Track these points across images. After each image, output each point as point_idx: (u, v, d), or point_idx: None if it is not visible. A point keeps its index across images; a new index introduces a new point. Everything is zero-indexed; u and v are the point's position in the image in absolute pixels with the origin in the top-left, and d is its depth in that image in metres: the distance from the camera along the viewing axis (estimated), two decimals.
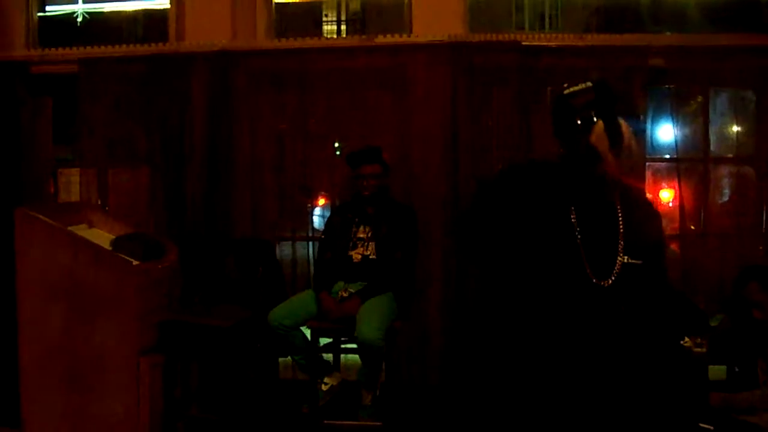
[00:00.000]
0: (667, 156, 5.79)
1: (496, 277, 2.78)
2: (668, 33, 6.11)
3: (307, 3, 7.04)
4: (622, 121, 2.53)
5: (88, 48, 5.93)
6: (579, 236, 2.52)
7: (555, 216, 2.55)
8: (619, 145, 2.51)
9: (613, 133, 2.49)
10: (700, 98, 5.72)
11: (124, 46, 5.88)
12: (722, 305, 5.05)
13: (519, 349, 2.64)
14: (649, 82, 5.46)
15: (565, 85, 2.59)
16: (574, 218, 2.53)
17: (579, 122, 2.49)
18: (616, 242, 2.53)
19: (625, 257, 2.52)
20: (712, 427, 4.08)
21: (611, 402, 2.53)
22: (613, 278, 2.50)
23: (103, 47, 5.89)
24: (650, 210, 2.73)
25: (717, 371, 4.77)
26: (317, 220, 6.12)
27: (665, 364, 2.69)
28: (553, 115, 2.63)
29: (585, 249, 2.51)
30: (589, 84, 2.55)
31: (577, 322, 2.52)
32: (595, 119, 2.48)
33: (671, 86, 5.58)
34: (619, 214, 2.57)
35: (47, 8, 6.53)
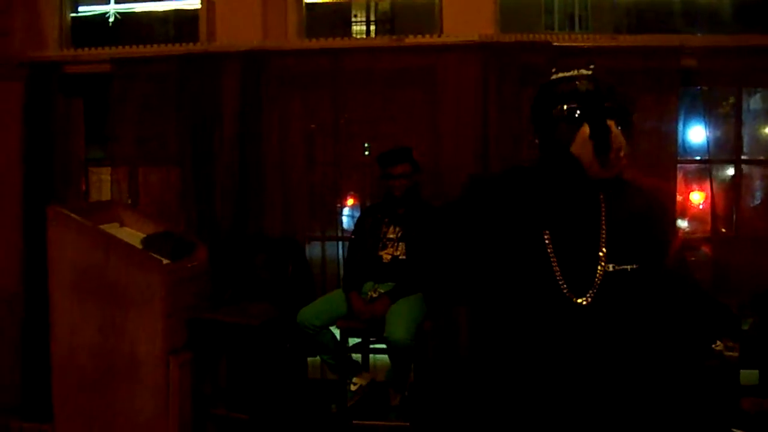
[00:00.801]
0: (698, 158, 5.74)
1: (476, 304, 2.56)
2: (700, 34, 6.04)
3: (336, 3, 7.02)
4: (611, 124, 2.18)
5: (120, 48, 5.96)
6: (551, 249, 2.22)
7: (523, 229, 2.22)
8: (606, 152, 2.15)
9: (601, 138, 2.15)
10: (732, 99, 5.67)
11: (156, 46, 5.90)
12: (754, 308, 4.99)
13: (504, 378, 2.30)
14: (681, 82, 5.42)
15: (554, 70, 2.34)
16: (546, 233, 2.23)
17: (559, 117, 2.22)
18: (597, 250, 2.22)
19: (610, 265, 2.20)
20: None
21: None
22: (593, 292, 2.18)
23: (134, 47, 5.91)
24: (652, 205, 2.35)
25: (749, 376, 4.71)
26: (346, 220, 6.13)
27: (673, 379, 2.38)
28: (533, 105, 2.34)
29: (559, 263, 2.20)
30: (583, 72, 2.28)
31: (553, 348, 2.21)
32: (579, 119, 2.19)
33: (703, 87, 5.52)
34: (602, 218, 2.25)
35: (80, 8, 6.56)
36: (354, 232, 5.38)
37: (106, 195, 5.97)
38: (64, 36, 6.26)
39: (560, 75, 2.29)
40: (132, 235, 5.10)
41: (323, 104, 5.83)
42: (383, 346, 4.99)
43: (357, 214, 5.69)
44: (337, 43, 5.86)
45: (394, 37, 5.77)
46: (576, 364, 2.19)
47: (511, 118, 5.43)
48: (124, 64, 5.84)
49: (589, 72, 2.28)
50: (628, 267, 2.21)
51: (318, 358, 5.27)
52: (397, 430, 4.90)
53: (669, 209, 2.39)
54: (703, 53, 5.40)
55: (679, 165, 5.57)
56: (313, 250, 5.89)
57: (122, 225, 5.27)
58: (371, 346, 5.30)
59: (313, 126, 6.01)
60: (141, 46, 5.91)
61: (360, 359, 5.32)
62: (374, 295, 4.99)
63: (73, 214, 4.86)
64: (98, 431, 4.78)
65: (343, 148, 5.88)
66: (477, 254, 2.28)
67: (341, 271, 5.63)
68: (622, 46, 5.48)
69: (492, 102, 5.43)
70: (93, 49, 6.03)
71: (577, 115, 2.20)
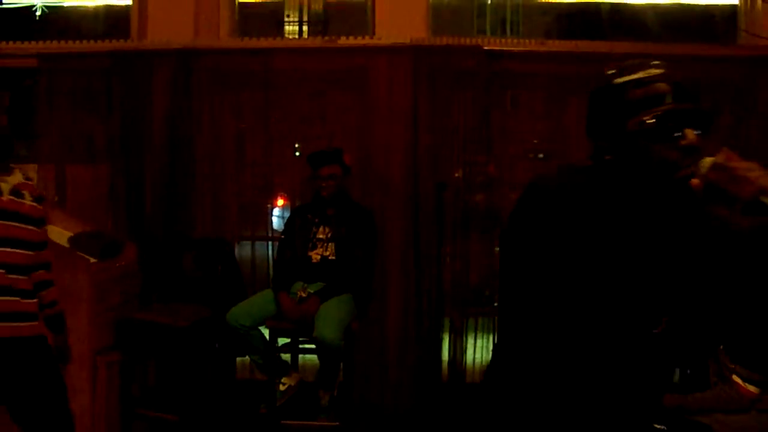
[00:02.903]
0: None
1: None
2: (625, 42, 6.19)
3: (269, 3, 7.00)
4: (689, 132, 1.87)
5: (48, 42, 5.86)
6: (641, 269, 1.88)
7: (610, 245, 1.87)
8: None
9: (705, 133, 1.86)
10: None
11: (85, 42, 5.82)
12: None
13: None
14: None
15: (612, 71, 2.03)
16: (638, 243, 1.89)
17: (642, 128, 1.88)
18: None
19: None
20: (665, 427, 4.14)
21: None
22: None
23: (63, 42, 5.83)
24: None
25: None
26: (276, 221, 6.12)
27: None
28: (595, 109, 2.01)
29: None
30: (654, 71, 1.96)
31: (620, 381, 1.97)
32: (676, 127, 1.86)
33: None
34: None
35: (4, 1, 6.44)
36: (283, 232, 5.37)
37: None
38: None
39: (627, 78, 1.97)
40: (59, 234, 5.01)
41: (254, 104, 5.83)
42: (312, 346, 5.00)
43: (287, 215, 5.68)
44: (269, 43, 5.85)
45: (327, 38, 5.79)
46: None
47: (442, 120, 5.49)
48: (52, 59, 5.73)
49: (661, 70, 1.97)
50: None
51: (247, 358, 5.25)
52: (326, 430, 4.91)
53: None
54: (629, 59, 5.51)
55: None
56: (243, 250, 5.88)
57: (49, 223, 5.17)
58: (300, 346, 5.30)
59: (243, 125, 5.98)
60: (70, 42, 5.83)
61: (289, 359, 5.31)
62: (303, 295, 4.99)
63: None
64: None
65: (273, 148, 5.87)
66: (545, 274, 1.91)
67: (271, 271, 5.62)
68: (551, 51, 5.58)
69: (423, 104, 5.49)
70: (19, 42, 5.91)
71: (667, 125, 1.87)
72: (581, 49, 5.58)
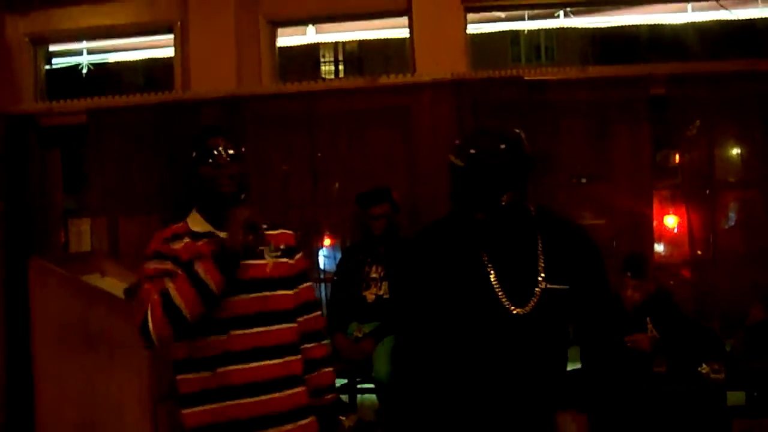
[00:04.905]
0: (673, 183, 5.82)
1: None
2: (666, 62, 6.14)
3: (304, 45, 7.09)
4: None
5: (95, 98, 6.00)
6: (492, 272, 2.52)
7: (466, 263, 2.54)
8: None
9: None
10: (701, 123, 5.74)
11: (131, 95, 5.93)
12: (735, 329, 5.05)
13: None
14: (651, 110, 5.50)
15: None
16: (486, 258, 2.53)
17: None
18: (536, 270, 2.52)
19: (545, 283, 2.51)
20: None
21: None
22: (532, 304, 2.50)
23: (109, 97, 5.95)
24: (579, 238, 2.66)
25: (735, 397, 4.75)
26: (325, 261, 6.12)
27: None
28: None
29: (500, 282, 2.50)
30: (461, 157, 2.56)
31: (494, 349, 2.52)
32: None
33: (674, 114, 5.61)
34: (539, 244, 2.55)
35: (54, 61, 6.59)
36: (336, 273, 5.38)
37: (86, 246, 5.94)
38: (39, 89, 6.29)
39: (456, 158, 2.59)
40: (114, 285, 5.07)
41: (298, 146, 5.86)
42: (370, 385, 4.98)
43: (335, 255, 5.69)
44: (311, 86, 5.90)
45: (368, 77, 5.83)
46: (511, 361, 2.51)
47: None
48: (100, 115, 5.85)
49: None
50: (561, 287, 2.52)
51: None
52: None
53: (592, 242, 2.63)
54: (673, 81, 5.48)
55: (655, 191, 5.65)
56: None
57: (104, 275, 5.23)
58: (358, 386, 5.29)
59: (286, 167, 6.01)
60: (116, 96, 5.94)
61: (347, 399, 5.30)
62: (359, 335, 4.99)
63: (54, 266, 4.84)
64: None
65: (318, 189, 5.89)
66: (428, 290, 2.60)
67: (323, 313, 5.62)
68: (592, 77, 5.57)
69: (466, 138, 5.47)
70: (68, 101, 6.03)
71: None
72: (622, 74, 5.56)
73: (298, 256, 3.02)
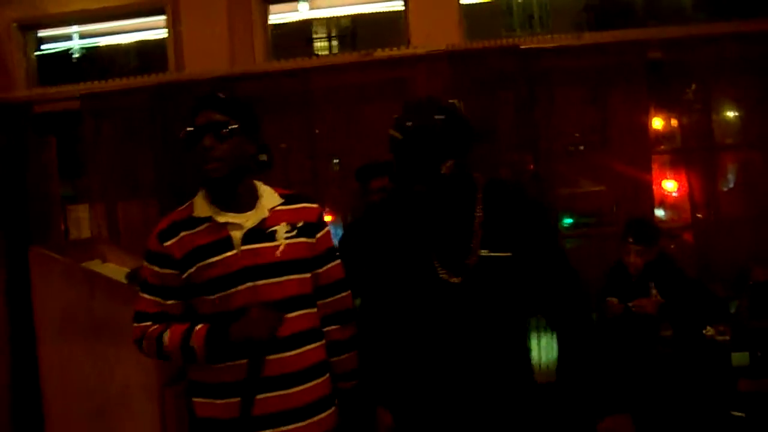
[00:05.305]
0: (672, 147, 5.81)
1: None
2: (663, 26, 6.10)
3: (296, 22, 7.04)
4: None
5: (89, 83, 5.93)
6: (430, 243, 2.58)
7: (406, 236, 2.63)
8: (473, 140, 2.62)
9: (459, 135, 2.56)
10: (698, 87, 5.71)
11: (125, 79, 5.89)
12: (737, 289, 5.05)
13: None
14: (648, 75, 5.47)
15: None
16: (425, 229, 2.61)
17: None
18: (473, 239, 2.55)
19: (483, 251, 2.53)
20: (743, 414, 4.07)
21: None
22: (467, 273, 2.54)
23: (103, 81, 5.90)
24: (527, 206, 2.66)
25: (740, 358, 4.75)
26: None
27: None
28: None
29: (438, 252, 2.57)
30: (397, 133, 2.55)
31: (437, 320, 2.56)
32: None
33: (672, 78, 5.57)
34: (480, 212, 2.58)
35: (43, 46, 6.53)
36: (338, 249, 5.35)
37: (85, 232, 5.92)
38: (31, 76, 6.24)
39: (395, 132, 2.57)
40: (116, 270, 5.06)
41: (295, 123, 5.83)
42: None
43: (336, 231, 5.66)
44: (305, 62, 5.88)
45: (363, 51, 5.78)
46: (451, 331, 2.56)
47: (488, 123, 5.46)
48: (94, 100, 5.80)
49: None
50: (502, 254, 2.53)
51: None
52: None
53: (540, 207, 2.63)
54: (670, 45, 5.45)
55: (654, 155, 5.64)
56: None
57: (105, 261, 5.23)
58: None
59: (283, 146, 5.99)
60: (110, 80, 5.90)
61: None
62: None
63: (54, 254, 4.82)
64: None
65: (317, 165, 5.87)
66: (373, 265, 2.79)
67: None
68: (588, 44, 5.53)
69: (466, 109, 5.45)
70: (61, 86, 5.99)
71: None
72: (619, 39, 5.51)
73: (320, 234, 2.82)
